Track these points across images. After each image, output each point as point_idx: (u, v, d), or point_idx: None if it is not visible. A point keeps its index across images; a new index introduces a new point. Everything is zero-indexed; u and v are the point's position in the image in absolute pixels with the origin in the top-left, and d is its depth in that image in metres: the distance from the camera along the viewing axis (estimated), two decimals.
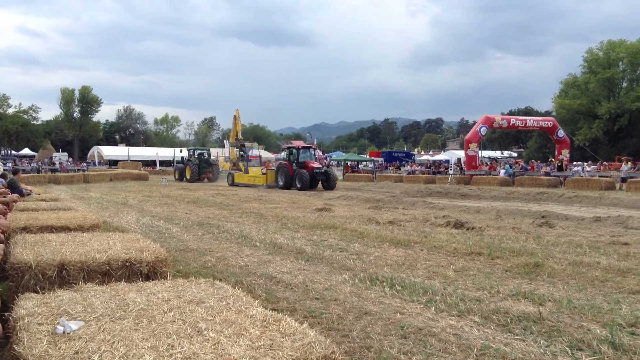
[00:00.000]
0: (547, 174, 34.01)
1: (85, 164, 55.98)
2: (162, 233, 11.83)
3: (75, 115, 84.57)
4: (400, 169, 48.77)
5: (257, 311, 3.25)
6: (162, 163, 64.53)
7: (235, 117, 44.28)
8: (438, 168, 45.05)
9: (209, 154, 45.17)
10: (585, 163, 40.47)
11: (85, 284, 3.99)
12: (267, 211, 16.62)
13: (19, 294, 3.75)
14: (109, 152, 70.40)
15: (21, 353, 2.58)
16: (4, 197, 8.34)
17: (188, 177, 40.01)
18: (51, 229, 6.38)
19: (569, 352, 4.50)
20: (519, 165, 42.67)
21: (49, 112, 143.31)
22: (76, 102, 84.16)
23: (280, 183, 31.37)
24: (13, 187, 10.86)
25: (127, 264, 4.56)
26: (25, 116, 76.12)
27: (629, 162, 34.62)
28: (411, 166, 51.32)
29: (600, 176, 30.83)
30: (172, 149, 69.30)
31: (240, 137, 44.29)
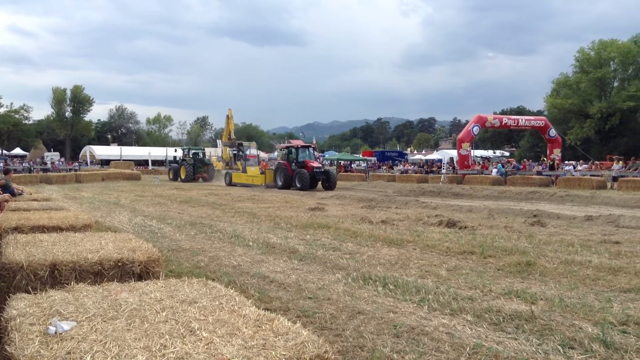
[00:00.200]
0: (539, 173, 34.14)
1: (77, 164, 55.65)
2: (154, 233, 11.80)
3: (67, 114, 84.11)
4: (393, 169, 48.83)
5: (250, 311, 3.24)
6: (155, 163, 64.28)
7: (228, 116, 44.25)
8: (431, 167, 45.12)
9: (204, 154, 44.77)
10: (576, 162, 40.66)
11: (77, 284, 3.97)
12: (260, 211, 16.61)
13: (10, 295, 3.73)
14: (101, 151, 70.04)
15: (13, 354, 2.57)
16: None
17: (183, 177, 39.59)
18: (43, 229, 6.36)
19: (561, 350, 4.52)
20: (511, 164, 42.84)
21: (40, 111, 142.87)
22: (68, 102, 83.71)
23: (279, 183, 30.74)
24: (4, 187, 10.81)
25: (119, 264, 4.55)
26: (17, 116, 75.70)
27: (620, 162, 34.78)
28: (404, 165, 51.36)
29: (591, 175, 30.96)
30: (164, 148, 69.05)
31: (233, 136, 44.22)
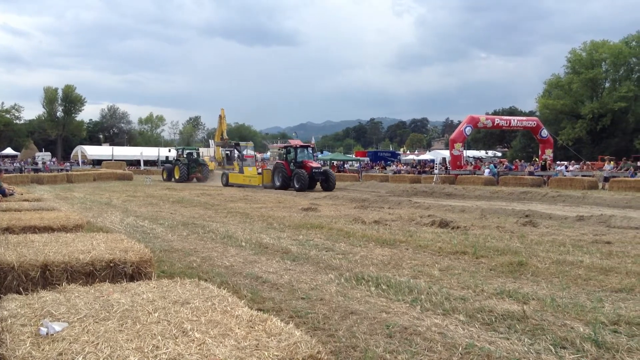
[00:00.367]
0: (530, 173, 34.29)
1: (68, 164, 55.40)
2: (146, 233, 11.76)
3: (58, 114, 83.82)
4: (386, 169, 48.94)
5: (243, 311, 3.24)
6: (147, 163, 64.06)
7: (220, 116, 44.10)
8: (423, 168, 45.23)
9: (199, 154, 44.17)
10: (568, 162, 40.86)
11: (69, 284, 3.96)
12: (252, 211, 16.59)
13: (1, 296, 3.72)
14: (93, 151, 69.74)
15: (4, 355, 2.56)
16: None
17: (177, 177, 39.04)
18: (34, 229, 6.34)
19: (553, 350, 4.54)
20: (503, 164, 43.00)
21: (31, 111, 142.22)
22: (59, 102, 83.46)
23: (277, 183, 30.12)
24: None
25: (111, 264, 4.53)
26: (8, 115, 75.41)
27: (612, 162, 35.01)
28: (397, 166, 51.44)
29: (583, 176, 31.13)
30: (156, 148, 68.85)
31: (225, 136, 44.06)
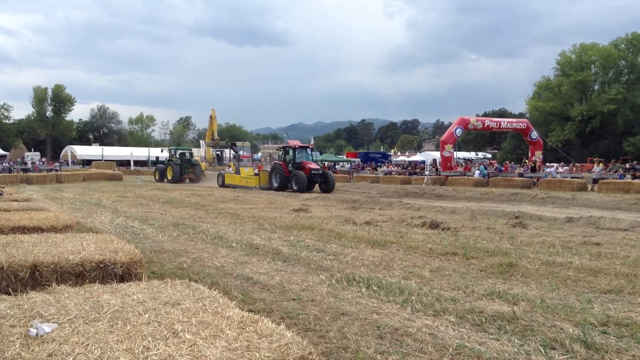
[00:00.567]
0: (520, 175, 34.48)
1: (58, 164, 55.01)
2: (136, 234, 11.70)
3: (48, 114, 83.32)
4: (377, 170, 49.02)
5: (234, 312, 3.24)
6: (137, 163, 63.81)
7: (211, 116, 44.00)
8: (414, 169, 45.35)
9: (191, 154, 43.37)
10: (558, 164, 41.13)
11: (59, 285, 3.94)
12: (243, 212, 16.55)
13: None
14: (83, 151, 69.39)
15: None
16: None
17: (169, 177, 38.46)
18: (23, 229, 6.30)
19: (543, 351, 4.56)
20: (493, 166, 43.19)
21: (21, 111, 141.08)
22: (49, 101, 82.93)
23: (275, 184, 29.60)
24: None
25: (101, 265, 4.51)
26: None
27: (601, 164, 35.25)
28: (388, 167, 51.57)
29: (572, 177, 31.33)
30: (147, 148, 68.58)
31: (216, 137, 43.95)
